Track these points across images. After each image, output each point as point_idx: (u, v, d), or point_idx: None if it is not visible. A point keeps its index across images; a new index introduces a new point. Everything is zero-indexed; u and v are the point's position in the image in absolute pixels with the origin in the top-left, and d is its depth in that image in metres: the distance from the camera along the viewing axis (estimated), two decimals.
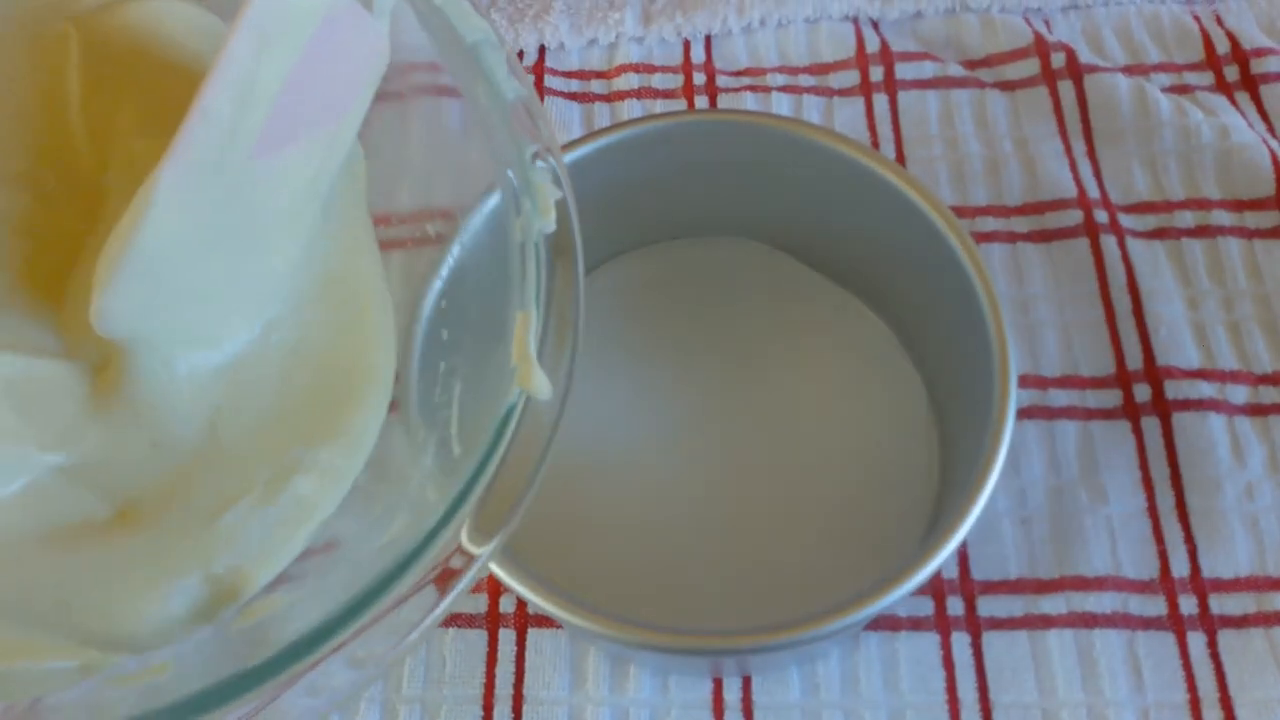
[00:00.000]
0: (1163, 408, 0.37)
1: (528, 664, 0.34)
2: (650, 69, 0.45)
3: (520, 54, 0.46)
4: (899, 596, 0.28)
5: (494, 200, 0.26)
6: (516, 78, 0.24)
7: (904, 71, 0.44)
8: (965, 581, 0.35)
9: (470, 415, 0.23)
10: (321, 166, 0.21)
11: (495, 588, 0.35)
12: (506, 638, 0.35)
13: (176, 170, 0.19)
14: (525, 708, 0.34)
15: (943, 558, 0.28)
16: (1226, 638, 0.34)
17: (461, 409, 0.24)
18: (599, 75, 0.46)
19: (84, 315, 0.19)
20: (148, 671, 0.20)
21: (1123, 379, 0.38)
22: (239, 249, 0.20)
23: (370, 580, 0.20)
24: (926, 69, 0.44)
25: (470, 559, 0.21)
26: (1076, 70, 0.44)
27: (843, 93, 0.44)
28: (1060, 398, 0.38)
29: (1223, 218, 0.41)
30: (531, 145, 0.23)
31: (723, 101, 0.44)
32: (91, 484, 0.20)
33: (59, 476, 0.20)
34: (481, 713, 0.34)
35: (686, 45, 0.46)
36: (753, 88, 0.45)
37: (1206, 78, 0.44)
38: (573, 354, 0.22)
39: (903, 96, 0.44)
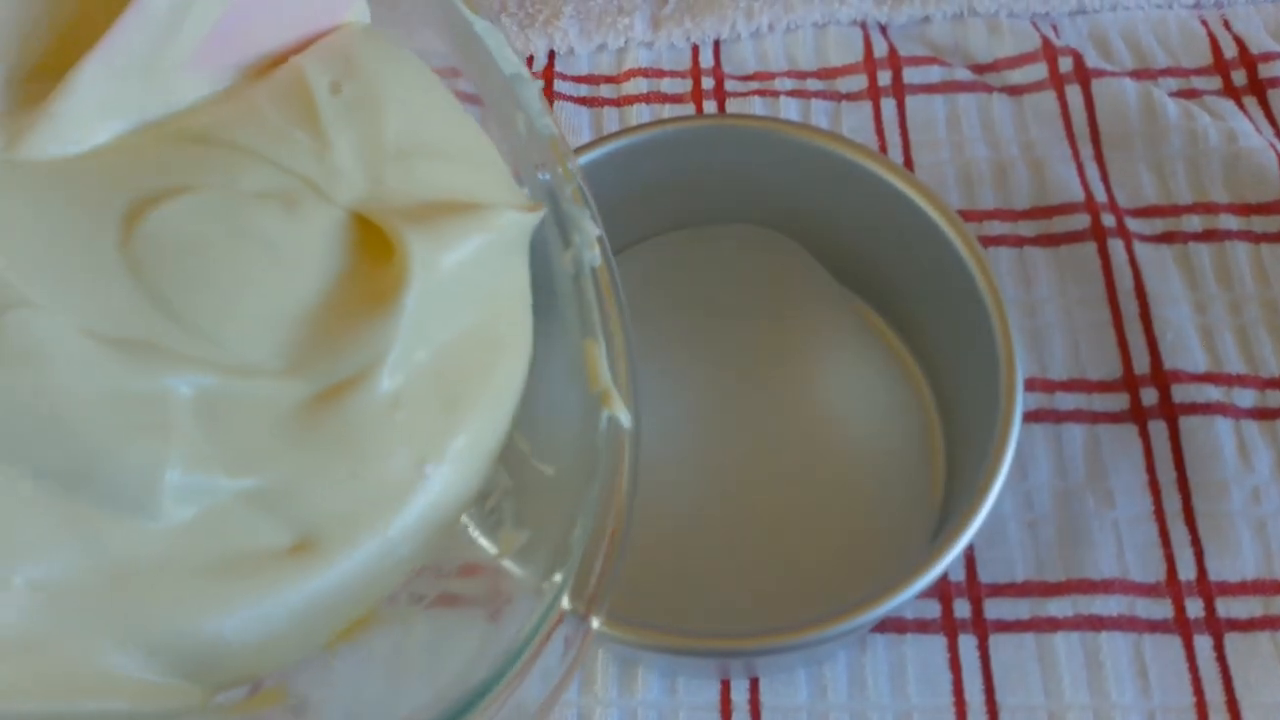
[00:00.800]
0: (1169, 411, 0.37)
1: None
2: (659, 74, 0.46)
3: (530, 59, 0.46)
4: (906, 599, 0.28)
5: None
6: (547, 114, 0.24)
7: (911, 76, 0.45)
8: (972, 584, 0.35)
9: (546, 438, 0.23)
10: None
11: None
12: None
13: (103, 58, 0.19)
14: None
15: (949, 560, 0.28)
16: (1233, 641, 0.34)
17: (527, 430, 0.24)
18: (608, 80, 0.46)
19: (331, 334, 0.19)
20: (268, 695, 0.20)
21: (1130, 383, 0.38)
22: None
23: (524, 632, 0.20)
24: (934, 73, 0.45)
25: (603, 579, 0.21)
26: (1084, 75, 0.44)
27: (850, 97, 0.45)
28: (1067, 401, 0.38)
29: (1230, 222, 0.41)
30: (568, 183, 0.24)
31: (731, 106, 0.45)
32: (275, 511, 0.19)
33: (240, 501, 0.19)
34: None
35: (695, 50, 0.46)
36: (761, 92, 0.45)
37: (1214, 82, 0.44)
38: (633, 379, 0.23)
39: (910, 101, 0.44)
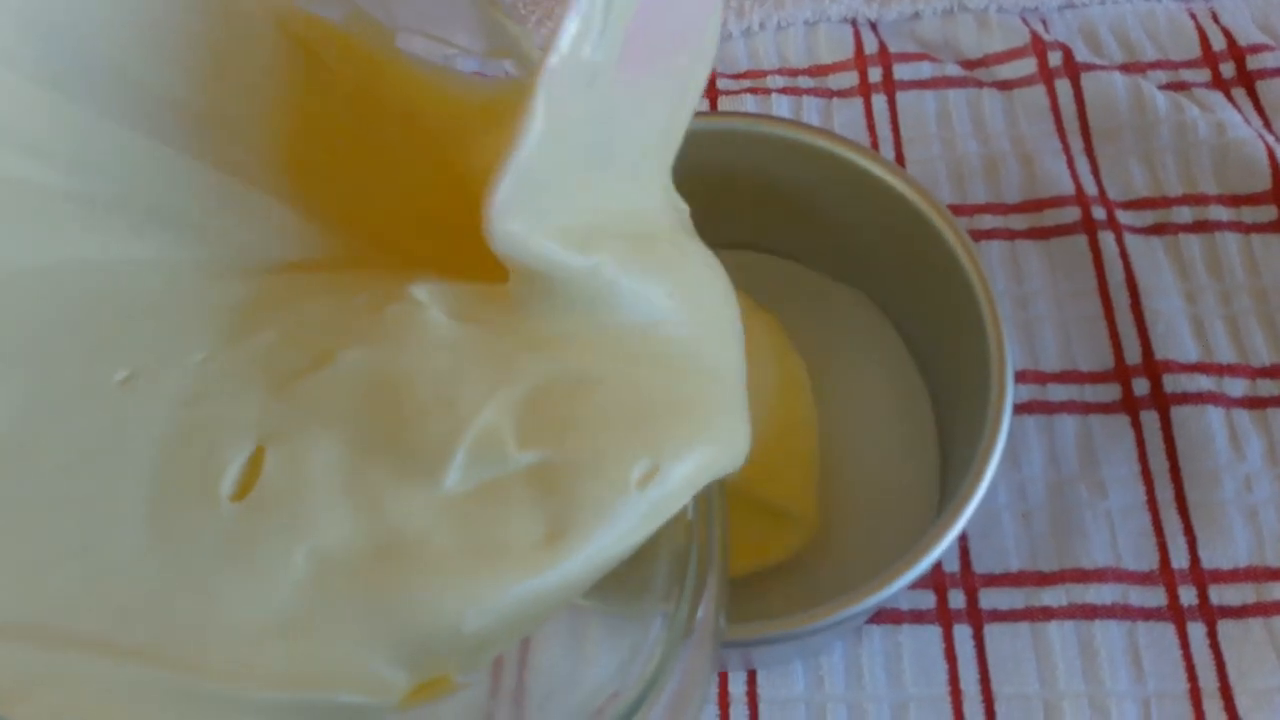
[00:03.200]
0: (1161, 401, 0.37)
1: None
2: None
3: None
4: (899, 588, 0.28)
5: None
6: None
7: (902, 72, 0.45)
8: (967, 575, 0.35)
9: None
10: (674, 111, 0.21)
11: None
12: None
13: (556, 72, 0.17)
14: None
15: (941, 550, 0.28)
16: (1226, 628, 0.34)
17: None
18: None
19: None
20: (436, 684, 0.19)
21: (1121, 373, 0.38)
22: (612, 181, 0.20)
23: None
24: (924, 69, 0.45)
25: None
26: (1073, 69, 0.44)
27: (842, 94, 0.45)
28: (1059, 393, 0.38)
29: (1220, 213, 0.41)
30: None
31: (723, 104, 0.45)
32: (544, 490, 0.18)
33: (516, 478, 0.18)
34: None
35: None
36: (753, 90, 0.45)
37: (1203, 74, 0.45)
38: None
39: (901, 97, 0.44)
